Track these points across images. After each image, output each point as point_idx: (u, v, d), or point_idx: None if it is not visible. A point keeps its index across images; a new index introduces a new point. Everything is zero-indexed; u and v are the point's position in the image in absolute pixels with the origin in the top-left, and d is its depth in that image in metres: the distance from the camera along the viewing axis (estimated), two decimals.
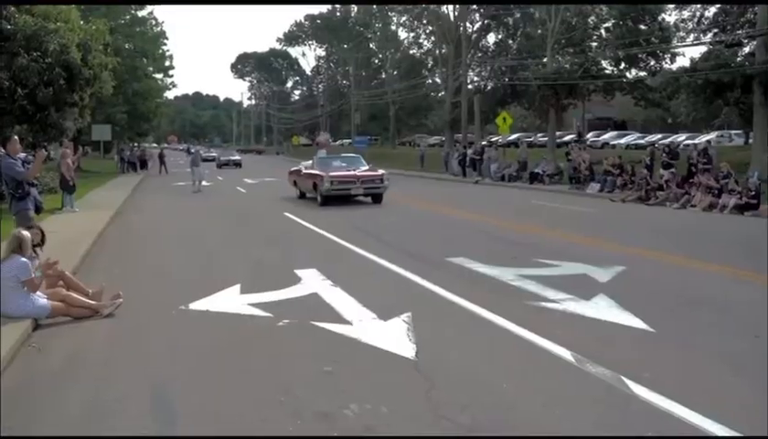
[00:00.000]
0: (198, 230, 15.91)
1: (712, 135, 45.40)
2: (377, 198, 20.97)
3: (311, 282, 9.22)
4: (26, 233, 7.68)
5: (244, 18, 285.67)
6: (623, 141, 49.82)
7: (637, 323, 7.00)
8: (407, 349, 6.19)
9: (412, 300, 8.16)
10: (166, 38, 48.12)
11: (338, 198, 20.27)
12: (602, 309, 7.57)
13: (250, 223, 17.09)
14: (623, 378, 5.36)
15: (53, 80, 19.07)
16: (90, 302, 7.82)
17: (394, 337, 6.58)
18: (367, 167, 21.62)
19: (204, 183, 30.13)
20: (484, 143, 42.82)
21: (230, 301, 8.25)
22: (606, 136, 53.38)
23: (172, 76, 54.08)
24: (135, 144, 61.61)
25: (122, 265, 11.21)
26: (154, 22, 46.73)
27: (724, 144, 41.79)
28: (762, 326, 6.76)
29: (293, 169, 24.99)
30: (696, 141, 35.32)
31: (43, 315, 7.42)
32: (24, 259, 7.36)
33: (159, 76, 50.15)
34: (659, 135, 48.61)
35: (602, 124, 61.10)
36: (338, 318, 7.31)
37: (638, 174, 22.62)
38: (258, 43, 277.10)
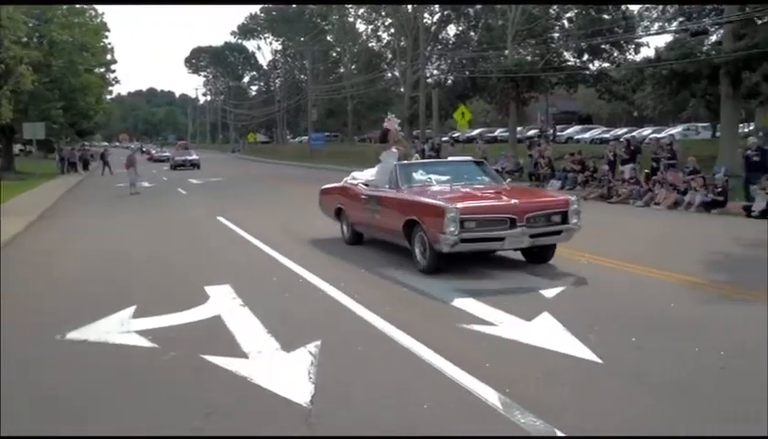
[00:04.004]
0: (119, 237, 14.64)
1: (678, 129, 44.87)
2: (544, 255, 9.96)
3: (219, 301, 8.09)
4: None
5: (199, 11, 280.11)
6: (587, 135, 49.28)
7: (583, 352, 5.81)
8: (302, 392, 5.12)
9: (329, 324, 7.06)
10: (108, 30, 46.01)
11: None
12: (545, 333, 6.39)
13: (178, 229, 15.79)
14: (557, 432, 4.31)
15: None
16: None
17: (292, 374, 5.55)
18: (505, 185, 10.84)
19: (145, 184, 29.24)
20: (445, 138, 41.73)
21: (117, 327, 7.15)
22: (570, 130, 52.86)
23: (114, 71, 51.87)
24: (84, 143, 59.53)
25: (11, 282, 9.85)
26: (93, 13, 44.58)
27: (691, 137, 41.25)
28: (733, 353, 5.74)
29: (331, 186, 13.43)
30: (661, 135, 34.51)
31: None
32: None
33: (101, 70, 48.05)
34: (625, 129, 48.16)
35: (566, 118, 60.71)
36: (234, 350, 6.21)
37: (600, 170, 21.64)
38: (214, 36, 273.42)
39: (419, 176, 10.97)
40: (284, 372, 5.57)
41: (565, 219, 9.49)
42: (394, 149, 12.07)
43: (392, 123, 12.70)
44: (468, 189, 10.30)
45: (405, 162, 11.64)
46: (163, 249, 12.80)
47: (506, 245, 9.26)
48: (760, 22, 23.46)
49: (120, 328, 7.08)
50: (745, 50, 22.29)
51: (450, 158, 15.23)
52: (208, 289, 8.62)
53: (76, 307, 8.14)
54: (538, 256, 9.93)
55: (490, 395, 4.88)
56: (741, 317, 6.89)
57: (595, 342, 6.00)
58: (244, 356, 6.03)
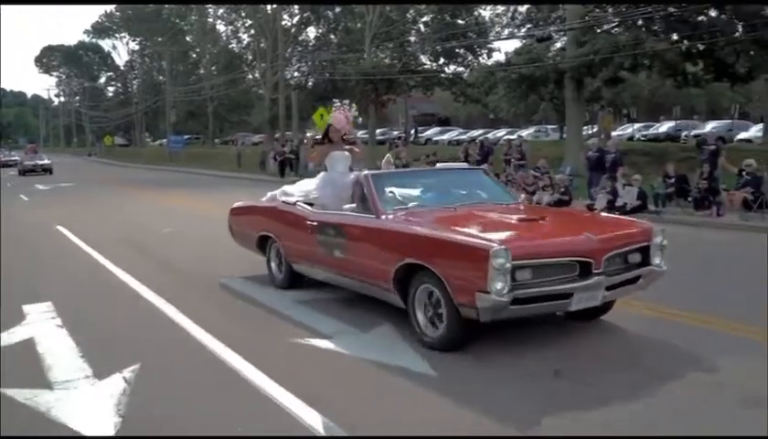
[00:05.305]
0: None
1: (529, 131, 46.86)
2: (597, 308, 6.29)
3: (35, 322, 7.34)
4: None
5: (52, 7, 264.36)
6: (445, 137, 50.54)
7: (418, 364, 5.63)
8: (105, 427, 4.64)
9: (153, 344, 6.53)
10: None
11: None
12: (382, 345, 6.21)
13: (6, 240, 14.43)
14: None
15: None
16: None
17: (99, 405, 5.00)
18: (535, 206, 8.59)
19: None
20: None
21: None
22: (429, 132, 54.05)
23: None
24: None
25: None
26: None
27: (542, 138, 43.13)
28: (569, 357, 5.72)
29: (249, 205, 9.91)
30: (513, 136, 35.90)
31: None
32: None
33: None
34: (481, 131, 49.70)
35: (426, 120, 62.05)
36: (39, 379, 5.56)
37: None
38: (66, 35, 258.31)
39: (403, 192, 7.19)
40: (91, 402, 5.05)
41: (646, 259, 6.25)
42: (345, 151, 8.28)
43: (340, 115, 8.43)
44: (494, 214, 6.74)
45: (377, 171, 7.90)
46: None
47: (574, 305, 5.76)
48: (599, 30, 24.74)
49: None
50: (586, 57, 23.43)
51: (439, 165, 10.51)
52: (26, 308, 7.87)
53: None
54: (589, 310, 6.30)
55: (314, 419, 4.61)
56: (580, 320, 6.73)
57: (432, 354, 5.82)
58: (48, 386, 5.43)
